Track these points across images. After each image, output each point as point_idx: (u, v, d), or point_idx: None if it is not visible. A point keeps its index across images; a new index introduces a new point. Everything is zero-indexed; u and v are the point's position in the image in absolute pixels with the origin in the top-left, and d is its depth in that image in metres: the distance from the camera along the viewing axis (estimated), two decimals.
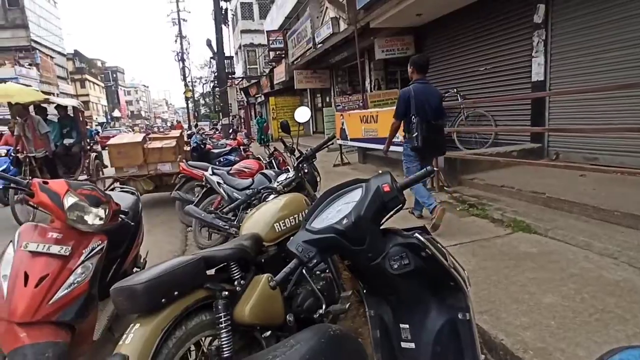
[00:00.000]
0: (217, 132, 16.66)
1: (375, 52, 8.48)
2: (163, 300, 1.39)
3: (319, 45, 11.72)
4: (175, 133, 6.80)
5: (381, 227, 1.37)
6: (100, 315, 2.11)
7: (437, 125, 3.79)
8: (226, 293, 1.56)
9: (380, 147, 6.22)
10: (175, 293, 1.42)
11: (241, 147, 8.66)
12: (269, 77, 17.80)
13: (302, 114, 2.70)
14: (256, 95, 21.75)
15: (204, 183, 4.55)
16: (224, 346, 1.50)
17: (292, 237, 1.36)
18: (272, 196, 2.38)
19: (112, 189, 2.96)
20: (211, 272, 1.73)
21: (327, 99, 14.47)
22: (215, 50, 13.95)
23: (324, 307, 1.98)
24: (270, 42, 16.14)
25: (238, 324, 1.59)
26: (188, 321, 1.50)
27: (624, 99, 4.40)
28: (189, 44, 22.40)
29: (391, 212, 1.34)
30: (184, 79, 19.85)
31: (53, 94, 35.73)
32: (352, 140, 6.79)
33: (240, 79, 24.22)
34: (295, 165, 2.62)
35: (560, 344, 1.73)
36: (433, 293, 1.38)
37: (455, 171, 5.02)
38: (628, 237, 2.78)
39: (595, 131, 4.56)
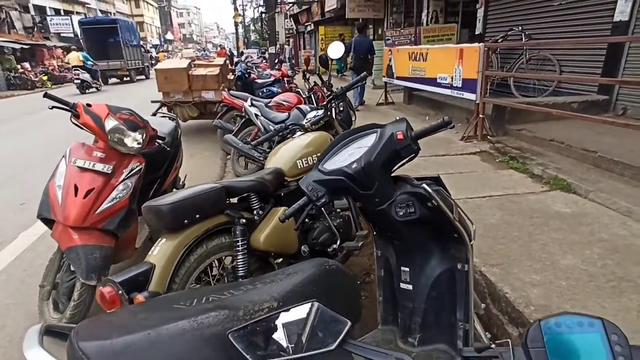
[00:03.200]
0: (264, 61, 16.47)
1: None
2: (185, 221, 1.54)
3: None
4: (219, 61, 6.83)
5: (393, 174, 1.39)
6: (141, 228, 2.37)
7: (363, 58, 7.86)
8: (244, 220, 1.70)
9: (428, 88, 5.91)
10: (197, 216, 1.57)
11: (285, 79, 8.58)
12: (320, 3, 16.82)
13: (336, 49, 2.60)
14: (306, 24, 20.81)
15: (243, 113, 4.65)
16: (239, 266, 1.67)
17: (305, 176, 1.42)
18: (299, 132, 2.41)
19: (154, 114, 3.13)
20: (235, 200, 1.87)
21: (380, 31, 13.58)
22: None
23: (338, 242, 2.09)
24: None
25: (254, 249, 1.75)
26: (209, 241, 1.66)
27: None
28: None
29: (404, 160, 1.35)
30: (234, 1, 19.24)
31: (110, 13, 36.38)
32: (398, 78, 6.47)
33: (291, 5, 23.11)
34: (325, 103, 2.59)
35: (565, 304, 1.74)
36: (436, 242, 1.42)
37: (502, 120, 4.72)
38: None
39: None
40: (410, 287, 1.48)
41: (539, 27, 6.05)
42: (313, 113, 2.69)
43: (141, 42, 21.91)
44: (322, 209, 2.11)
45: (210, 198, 1.62)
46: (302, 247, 1.99)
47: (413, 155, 1.33)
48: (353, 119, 3.79)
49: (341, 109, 3.25)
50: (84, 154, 1.95)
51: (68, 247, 1.83)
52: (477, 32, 7.59)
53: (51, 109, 1.94)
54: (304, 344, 0.60)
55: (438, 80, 5.32)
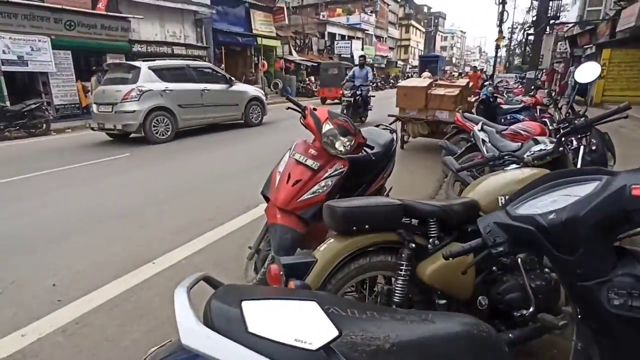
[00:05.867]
0: (520, 86, 14.88)
1: None
2: (354, 227, 1.56)
3: None
4: (462, 82, 6.61)
5: (616, 243, 0.98)
6: None
7: None
8: (413, 245, 1.58)
9: None
10: (366, 226, 1.56)
11: (537, 107, 7.48)
12: (612, 22, 13.72)
13: (586, 72, 1.98)
14: (585, 46, 17.43)
15: (470, 137, 4.35)
16: (396, 291, 1.56)
17: (487, 214, 1.20)
18: (513, 165, 2.04)
19: (378, 125, 3.32)
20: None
21: None
22: None
23: (532, 309, 1.65)
24: None
25: (418, 280, 1.60)
26: (374, 255, 1.63)
27: None
28: None
29: (638, 229, 0.93)
30: (500, 24, 18.14)
31: (383, 37, 41.37)
32: None
33: (571, 25, 19.88)
34: (558, 136, 2.08)
35: None
36: None
37: None
38: None
39: None
40: None
41: None
42: (540, 146, 2.20)
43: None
44: (519, 260, 1.72)
45: (383, 212, 1.58)
46: (481, 298, 1.68)
47: None
48: (611, 163, 2.91)
49: (593, 147, 2.56)
50: (302, 149, 2.29)
51: (271, 223, 2.19)
52: None
53: (287, 109, 2.36)
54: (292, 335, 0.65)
55: None
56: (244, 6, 19.40)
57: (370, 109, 10.53)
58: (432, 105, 5.90)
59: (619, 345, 0.97)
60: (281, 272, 1.45)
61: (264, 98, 10.51)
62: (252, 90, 10.25)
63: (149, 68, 7.89)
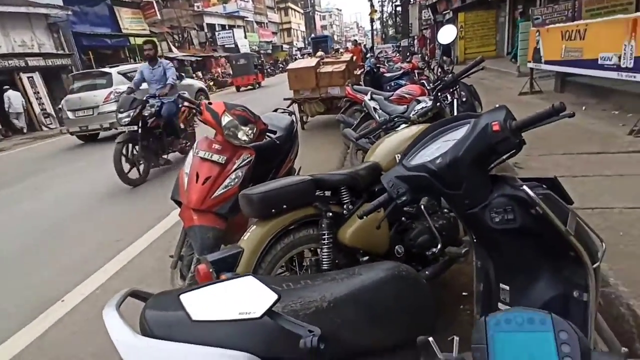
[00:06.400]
0: (398, 54, 16.17)
1: None
2: (273, 210, 1.61)
3: None
4: (346, 57, 6.97)
5: (491, 173, 1.18)
6: None
7: None
8: (330, 214, 1.68)
9: (586, 72, 4.88)
10: (284, 206, 1.62)
11: (415, 71, 8.24)
12: None
13: (446, 33, 2.31)
14: (444, 12, 19.57)
15: (363, 107, 4.64)
16: (323, 260, 1.66)
17: (388, 171, 1.33)
18: (403, 125, 2.27)
19: (276, 110, 3.36)
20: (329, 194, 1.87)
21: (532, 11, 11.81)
22: None
23: (439, 246, 1.90)
24: None
25: (340, 244, 1.72)
26: (297, 232, 1.70)
27: None
28: None
29: (503, 157, 1.13)
30: None
31: (264, 23, 40.98)
32: (546, 63, 5.51)
33: None
34: (434, 94, 2.37)
35: None
36: (545, 259, 1.15)
37: None
38: None
39: None
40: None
41: None
42: (422, 104, 2.49)
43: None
44: (422, 207, 1.95)
45: (297, 190, 1.65)
46: (397, 247, 1.87)
47: (514, 150, 1.10)
48: (479, 110, 3.38)
49: (464, 99, 2.93)
50: (206, 146, 2.23)
51: (189, 226, 2.12)
52: None
53: (181, 106, 2.27)
54: (235, 310, 0.68)
55: (600, 62, 4.33)
56: (106, 4, 17.47)
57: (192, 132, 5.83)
58: (323, 83, 6.13)
59: (504, 253, 1.18)
60: (210, 270, 1.45)
61: (206, 89, 12.46)
62: (197, 83, 12.12)
63: (118, 73, 9.14)
